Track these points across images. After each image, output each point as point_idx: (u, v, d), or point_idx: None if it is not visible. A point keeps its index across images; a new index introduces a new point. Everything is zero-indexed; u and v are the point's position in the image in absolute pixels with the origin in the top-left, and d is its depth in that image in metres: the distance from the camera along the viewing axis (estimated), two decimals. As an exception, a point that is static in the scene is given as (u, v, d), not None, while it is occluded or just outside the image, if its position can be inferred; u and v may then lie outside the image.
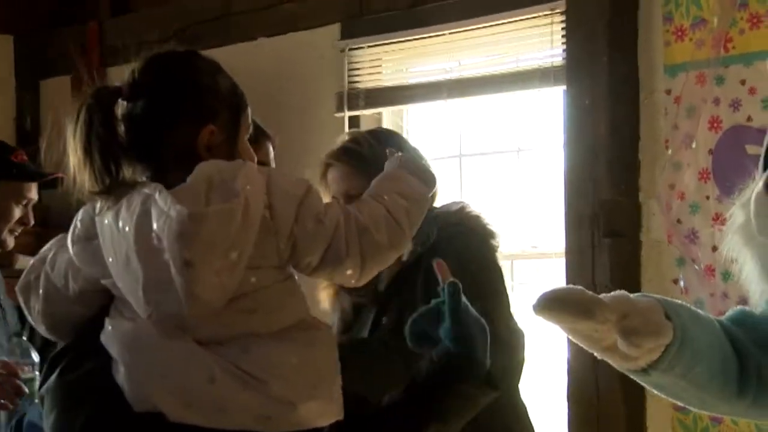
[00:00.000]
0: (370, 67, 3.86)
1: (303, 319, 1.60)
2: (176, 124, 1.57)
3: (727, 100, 2.93)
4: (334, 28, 3.90)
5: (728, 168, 2.91)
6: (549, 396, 3.45)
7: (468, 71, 3.66)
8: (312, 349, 1.55)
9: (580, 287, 1.39)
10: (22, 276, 1.66)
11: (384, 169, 1.75)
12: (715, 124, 2.96)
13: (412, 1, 3.70)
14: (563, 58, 3.31)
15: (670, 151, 3.03)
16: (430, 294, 2.13)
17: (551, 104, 3.48)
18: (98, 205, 1.55)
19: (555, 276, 3.39)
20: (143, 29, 4.42)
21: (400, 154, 1.79)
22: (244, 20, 4.16)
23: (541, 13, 3.38)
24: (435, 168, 1.91)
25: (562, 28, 3.31)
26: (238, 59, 4.13)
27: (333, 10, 3.91)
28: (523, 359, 2.26)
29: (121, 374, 1.49)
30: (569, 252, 3.25)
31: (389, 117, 3.89)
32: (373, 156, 2.26)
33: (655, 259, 3.11)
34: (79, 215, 1.60)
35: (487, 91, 3.60)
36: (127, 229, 1.48)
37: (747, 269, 1.70)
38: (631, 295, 1.43)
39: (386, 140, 2.38)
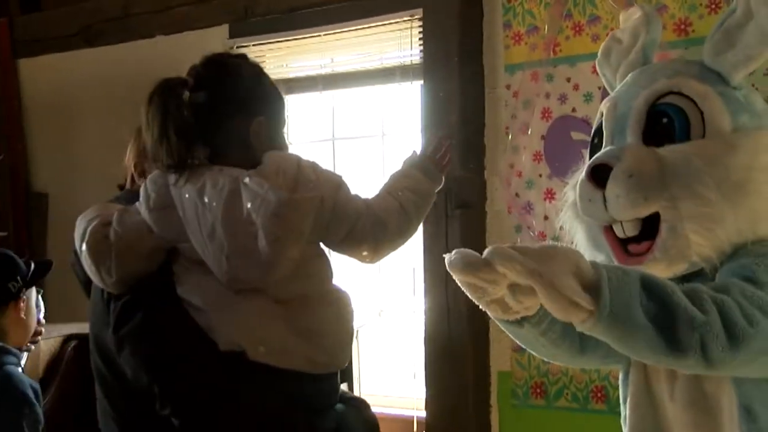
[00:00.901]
0: (256, 63, 3.81)
1: (334, 284, 1.67)
2: (233, 114, 1.60)
3: (555, 95, 2.99)
4: (224, 29, 3.83)
5: (557, 151, 2.99)
6: (410, 339, 3.50)
7: (339, 67, 3.65)
8: (346, 308, 1.64)
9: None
10: (87, 237, 1.61)
11: (401, 166, 1.78)
12: (546, 114, 3.02)
13: (291, 6, 3.67)
14: (420, 58, 3.33)
15: (510, 137, 3.08)
16: None
17: (410, 96, 3.50)
18: (172, 178, 1.55)
19: (414, 240, 3.42)
20: (51, 26, 4.27)
21: (414, 153, 1.81)
22: (143, 20, 4.04)
23: (401, 19, 3.39)
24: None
25: (420, 32, 3.34)
26: (139, 54, 4.05)
27: (222, 13, 3.84)
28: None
29: (207, 319, 1.51)
30: (426, 221, 3.25)
31: (272, 106, 3.86)
32: None
33: (497, 226, 3.17)
34: (150, 186, 1.60)
35: (356, 84, 3.60)
36: (214, 204, 1.50)
37: (577, 239, 1.76)
38: None
39: None
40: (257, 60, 3.71)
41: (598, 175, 1.51)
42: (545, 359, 1.67)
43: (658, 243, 1.49)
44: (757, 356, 1.31)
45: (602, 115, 1.73)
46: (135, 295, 1.58)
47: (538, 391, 3.00)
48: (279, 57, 3.80)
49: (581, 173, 1.68)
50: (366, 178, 3.65)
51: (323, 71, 3.67)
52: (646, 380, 1.62)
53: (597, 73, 2.83)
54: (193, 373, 1.52)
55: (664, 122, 1.53)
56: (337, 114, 3.83)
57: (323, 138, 3.83)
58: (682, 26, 2.73)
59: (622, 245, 1.59)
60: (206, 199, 1.51)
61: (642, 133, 1.55)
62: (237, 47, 3.79)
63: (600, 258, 1.75)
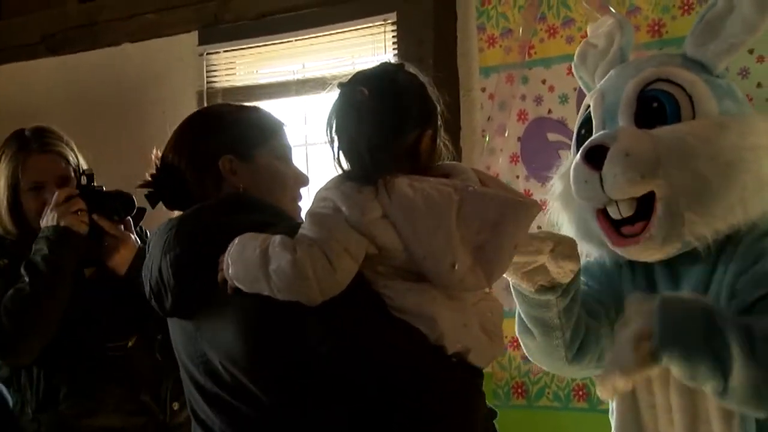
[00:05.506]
0: (226, 69, 3.86)
1: None
2: (408, 126, 1.56)
3: (531, 96, 3.08)
4: (193, 35, 3.87)
5: (533, 152, 3.07)
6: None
7: (311, 73, 3.71)
8: (502, 309, 1.64)
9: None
10: (296, 251, 1.48)
11: None
12: (522, 116, 3.10)
13: (261, 12, 3.72)
14: (395, 62, 3.40)
15: (487, 139, 3.16)
16: None
17: (385, 101, 3.56)
18: (369, 190, 1.50)
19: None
20: (10, 34, 4.28)
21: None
22: (109, 27, 4.05)
23: (375, 23, 3.45)
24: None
25: (393, 36, 3.41)
26: (105, 62, 4.08)
27: (191, 20, 3.87)
28: None
29: (436, 325, 1.50)
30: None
31: (244, 112, 3.91)
32: None
33: (475, 229, 3.21)
34: (354, 195, 1.51)
35: (328, 89, 3.62)
36: (442, 215, 1.48)
37: (565, 230, 1.84)
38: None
39: None
40: (228, 66, 3.84)
41: (594, 157, 1.59)
42: (548, 365, 1.80)
43: (653, 221, 1.58)
44: None
45: (588, 108, 1.82)
46: (346, 306, 1.52)
47: (519, 391, 3.07)
48: (249, 63, 3.85)
49: (571, 161, 1.76)
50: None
51: (295, 77, 3.72)
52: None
53: (572, 75, 2.93)
54: (429, 382, 1.52)
55: (655, 106, 1.62)
56: (311, 119, 3.88)
57: (296, 143, 3.88)
58: (656, 27, 2.84)
59: (616, 228, 1.67)
60: (431, 209, 1.49)
61: (634, 117, 1.64)
62: (207, 54, 3.84)
63: (587, 247, 1.83)
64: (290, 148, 1.84)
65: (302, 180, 1.82)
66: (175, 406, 2.41)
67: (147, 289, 1.65)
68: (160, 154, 1.79)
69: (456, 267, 1.48)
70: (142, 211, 2.43)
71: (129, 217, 2.42)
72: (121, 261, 2.35)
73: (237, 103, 2.04)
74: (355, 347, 1.48)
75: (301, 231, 1.50)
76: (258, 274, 1.47)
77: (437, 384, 1.51)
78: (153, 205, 1.80)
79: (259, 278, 1.47)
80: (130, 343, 2.38)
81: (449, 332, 1.51)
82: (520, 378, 3.07)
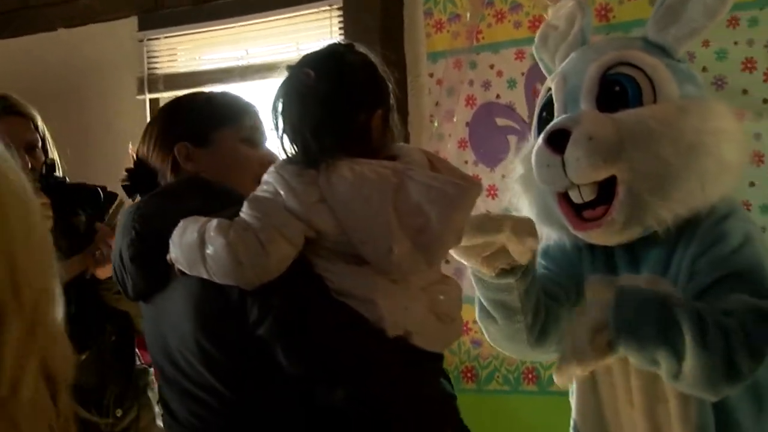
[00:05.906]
0: (167, 56, 3.81)
1: None
2: (357, 107, 1.54)
3: (479, 81, 3.08)
4: (132, 21, 3.80)
5: (482, 137, 3.09)
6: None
7: (254, 59, 3.68)
8: (461, 292, 1.62)
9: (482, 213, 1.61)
10: (230, 233, 1.47)
11: None
12: (471, 101, 3.11)
13: (202, -2, 3.69)
14: (340, 47, 3.38)
15: (435, 124, 3.16)
16: None
17: (330, 87, 3.54)
18: (311, 172, 1.49)
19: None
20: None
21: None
22: (44, 12, 3.97)
23: (320, 9, 3.44)
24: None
25: (339, 22, 3.39)
26: (39, 49, 3.99)
27: (130, 5, 3.81)
28: None
29: (373, 309, 1.48)
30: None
31: (187, 99, 3.85)
32: None
33: (423, 214, 3.22)
34: (294, 179, 1.49)
35: (273, 75, 3.60)
36: (379, 197, 1.47)
37: (525, 213, 1.85)
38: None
39: None
40: (169, 52, 3.78)
41: (556, 141, 1.60)
42: (511, 349, 1.81)
43: (615, 205, 1.59)
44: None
45: (549, 90, 1.83)
46: (284, 288, 1.50)
47: (469, 375, 3.09)
48: (191, 49, 3.81)
49: (532, 144, 1.77)
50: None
51: (238, 63, 3.68)
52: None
53: (520, 60, 2.94)
54: (370, 365, 1.50)
55: (617, 90, 1.64)
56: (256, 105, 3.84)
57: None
58: (603, 12, 2.87)
59: (577, 212, 1.68)
60: (366, 192, 1.48)
61: (596, 101, 1.65)
62: (147, 39, 3.78)
63: (548, 230, 1.85)
64: (258, 130, 1.82)
65: (270, 162, 1.81)
66: (119, 412, 2.37)
67: (113, 276, 1.67)
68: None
69: (394, 251, 1.47)
70: (113, 197, 2.39)
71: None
72: (107, 272, 2.29)
73: (207, 90, 2.04)
74: (294, 330, 1.47)
75: (240, 215, 1.50)
76: (196, 257, 1.48)
77: (380, 368, 1.49)
78: (130, 197, 1.82)
79: (198, 261, 1.47)
80: (82, 357, 2.32)
81: (389, 315, 1.49)
82: (469, 362, 3.09)
